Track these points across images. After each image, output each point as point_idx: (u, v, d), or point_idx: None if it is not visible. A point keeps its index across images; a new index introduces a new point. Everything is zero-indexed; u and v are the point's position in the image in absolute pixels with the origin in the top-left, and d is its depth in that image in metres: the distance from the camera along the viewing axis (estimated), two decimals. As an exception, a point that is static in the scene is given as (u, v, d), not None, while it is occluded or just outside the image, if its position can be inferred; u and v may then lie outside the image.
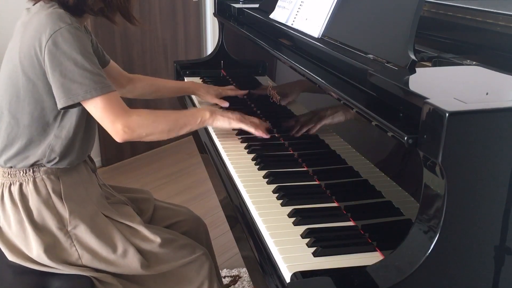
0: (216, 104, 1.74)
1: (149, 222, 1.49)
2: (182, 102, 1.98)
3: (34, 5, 1.25)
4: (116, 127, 1.21)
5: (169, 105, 3.71)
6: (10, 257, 1.25)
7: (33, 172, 1.26)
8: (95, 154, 3.24)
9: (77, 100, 1.17)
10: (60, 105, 1.18)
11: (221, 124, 1.38)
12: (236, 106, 1.78)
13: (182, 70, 2.16)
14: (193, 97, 1.89)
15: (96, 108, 1.20)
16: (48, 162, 1.26)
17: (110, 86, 1.21)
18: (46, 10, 1.19)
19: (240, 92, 1.81)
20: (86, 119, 1.29)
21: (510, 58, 1.25)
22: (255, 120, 1.43)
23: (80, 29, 1.20)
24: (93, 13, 1.27)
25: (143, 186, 2.83)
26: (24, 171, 1.26)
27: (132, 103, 1.35)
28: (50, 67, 1.16)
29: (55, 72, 1.16)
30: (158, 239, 1.32)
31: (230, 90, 1.81)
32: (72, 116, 1.26)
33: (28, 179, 1.26)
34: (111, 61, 1.59)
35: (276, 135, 1.49)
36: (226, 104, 1.73)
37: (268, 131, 1.43)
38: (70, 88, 1.16)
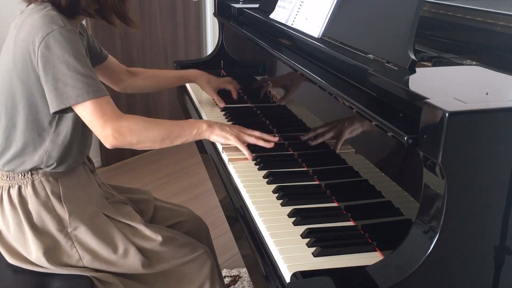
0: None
1: (150, 223, 1.49)
2: (182, 102, 1.98)
3: (27, 6, 1.24)
4: (106, 132, 1.17)
5: (168, 104, 3.72)
6: (10, 259, 1.25)
7: (32, 175, 1.26)
8: (95, 154, 3.24)
9: (69, 104, 1.15)
10: (52, 109, 1.16)
11: (218, 139, 1.34)
12: (235, 105, 1.78)
13: (182, 70, 2.16)
14: (193, 97, 1.89)
15: (86, 111, 1.17)
16: (47, 167, 1.26)
17: (103, 90, 1.18)
18: (38, 12, 1.17)
19: (234, 91, 1.81)
20: (82, 124, 1.26)
21: (510, 58, 1.24)
22: (256, 133, 1.36)
23: (73, 31, 1.18)
24: (88, 15, 1.26)
25: (143, 186, 2.83)
26: (23, 174, 1.26)
27: (131, 99, 1.35)
28: (43, 71, 1.14)
29: (48, 76, 1.14)
30: (159, 238, 1.32)
31: (229, 84, 1.81)
32: (68, 121, 1.24)
33: (26, 182, 1.25)
34: (110, 56, 1.57)
35: (277, 136, 1.49)
36: (222, 104, 1.74)
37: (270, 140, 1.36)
38: (62, 92, 1.14)
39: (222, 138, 1.33)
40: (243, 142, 1.34)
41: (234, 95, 1.80)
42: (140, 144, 1.24)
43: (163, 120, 1.29)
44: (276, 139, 1.38)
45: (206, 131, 1.31)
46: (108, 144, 1.19)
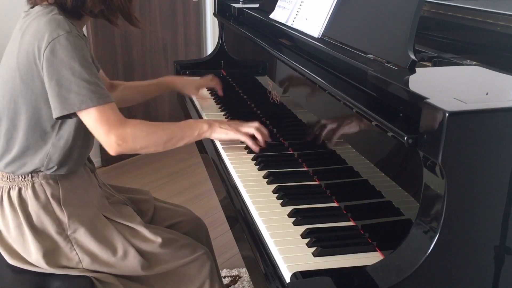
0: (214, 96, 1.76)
1: (150, 223, 1.49)
2: (182, 102, 1.98)
3: (32, 8, 1.23)
4: (110, 139, 1.17)
5: (168, 105, 3.72)
6: (10, 260, 1.25)
7: (32, 177, 1.25)
8: (94, 154, 3.24)
9: (72, 110, 1.14)
10: (55, 114, 1.15)
11: (219, 136, 1.34)
12: (236, 106, 1.78)
13: (182, 70, 2.16)
14: (193, 97, 1.89)
15: (90, 118, 1.16)
16: (47, 169, 1.26)
17: (107, 97, 1.17)
18: (45, 16, 1.16)
19: (218, 86, 1.82)
20: (84, 128, 1.24)
21: (510, 58, 1.25)
22: (255, 124, 1.36)
23: (80, 37, 1.17)
24: (93, 16, 1.25)
25: (143, 186, 2.83)
26: (23, 176, 1.25)
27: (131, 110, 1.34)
28: (47, 76, 1.13)
29: (52, 81, 1.13)
30: (159, 239, 1.32)
31: (210, 81, 1.81)
32: (70, 125, 1.24)
33: (27, 184, 1.25)
34: (100, 69, 1.56)
35: (277, 136, 1.49)
36: (207, 101, 1.78)
37: (268, 135, 1.37)
38: (66, 98, 1.13)
39: (223, 134, 1.34)
40: (244, 133, 1.34)
41: (219, 92, 1.82)
42: (144, 149, 1.24)
43: (164, 123, 1.29)
44: (268, 139, 1.37)
45: (207, 131, 1.32)
46: (112, 151, 1.19)
